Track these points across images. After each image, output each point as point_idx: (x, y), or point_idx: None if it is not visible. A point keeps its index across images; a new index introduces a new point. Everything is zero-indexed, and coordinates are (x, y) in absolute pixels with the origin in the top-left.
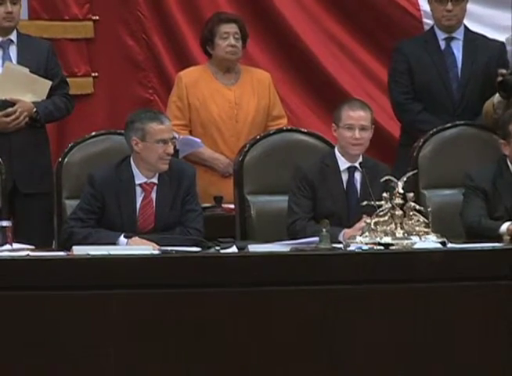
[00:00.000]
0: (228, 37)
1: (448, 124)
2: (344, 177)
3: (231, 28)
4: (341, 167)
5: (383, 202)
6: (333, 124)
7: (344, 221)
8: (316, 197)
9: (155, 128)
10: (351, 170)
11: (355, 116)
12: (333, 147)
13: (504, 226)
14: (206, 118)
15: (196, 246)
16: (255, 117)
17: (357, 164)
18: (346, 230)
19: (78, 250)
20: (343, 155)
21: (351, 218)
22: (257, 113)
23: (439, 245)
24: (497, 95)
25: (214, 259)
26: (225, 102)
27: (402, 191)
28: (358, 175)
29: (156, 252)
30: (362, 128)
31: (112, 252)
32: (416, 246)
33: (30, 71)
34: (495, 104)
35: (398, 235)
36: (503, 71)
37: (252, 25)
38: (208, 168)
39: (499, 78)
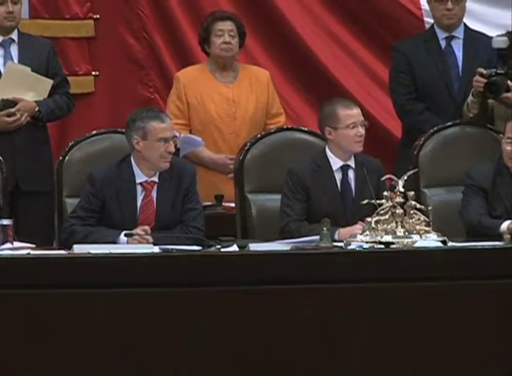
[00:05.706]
0: (222, 35)
1: (449, 123)
2: (338, 176)
3: (225, 26)
4: (334, 166)
5: (383, 201)
6: (328, 128)
7: (340, 220)
8: (311, 199)
9: (156, 127)
10: (344, 169)
11: (354, 113)
12: None
13: (504, 225)
14: (204, 117)
15: (197, 245)
16: (254, 115)
17: (349, 163)
18: (341, 230)
19: (79, 248)
20: (335, 154)
21: (348, 218)
22: (256, 110)
23: (440, 244)
24: (470, 96)
25: (215, 258)
26: (223, 100)
27: (402, 190)
28: (351, 174)
29: (157, 250)
30: (362, 124)
31: (112, 251)
32: (416, 244)
33: (32, 70)
34: (469, 104)
35: (398, 234)
36: (483, 71)
37: (252, 23)
38: (209, 168)
39: (483, 80)
